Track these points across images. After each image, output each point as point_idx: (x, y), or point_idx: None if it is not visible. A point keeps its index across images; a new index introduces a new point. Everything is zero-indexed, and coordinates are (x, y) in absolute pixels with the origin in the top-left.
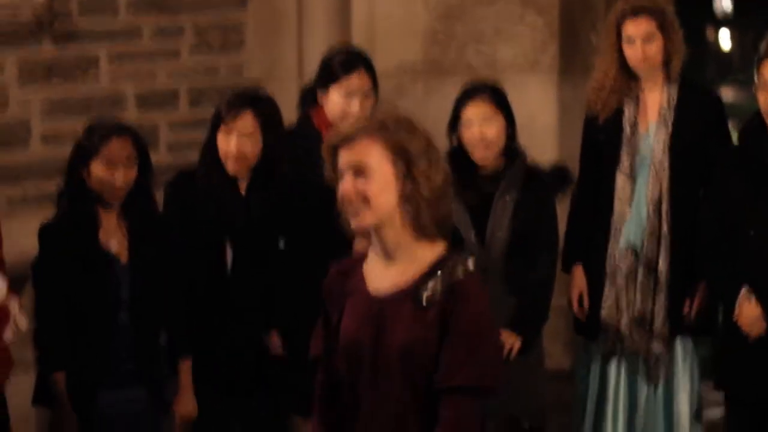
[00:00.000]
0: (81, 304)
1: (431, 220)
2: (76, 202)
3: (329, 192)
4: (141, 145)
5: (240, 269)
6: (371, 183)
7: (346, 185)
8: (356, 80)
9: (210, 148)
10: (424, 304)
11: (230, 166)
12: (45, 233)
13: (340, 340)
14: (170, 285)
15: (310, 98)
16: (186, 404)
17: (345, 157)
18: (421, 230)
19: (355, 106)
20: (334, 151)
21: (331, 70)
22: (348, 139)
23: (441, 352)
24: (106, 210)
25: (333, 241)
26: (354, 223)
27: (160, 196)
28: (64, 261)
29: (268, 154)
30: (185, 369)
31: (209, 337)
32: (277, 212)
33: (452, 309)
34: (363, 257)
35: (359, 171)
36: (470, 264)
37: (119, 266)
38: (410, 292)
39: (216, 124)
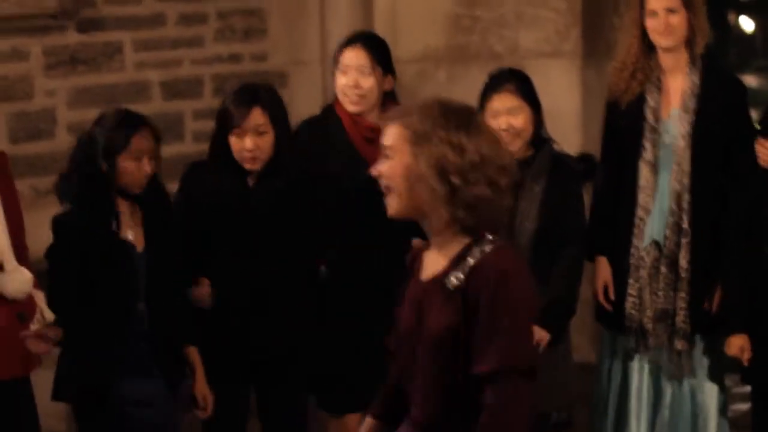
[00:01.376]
0: (99, 294)
1: (461, 206)
2: (95, 193)
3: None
4: (158, 135)
5: (244, 262)
6: (391, 167)
7: (377, 165)
8: (350, 55)
9: (220, 146)
10: (451, 288)
11: (247, 166)
12: (62, 224)
13: (398, 324)
14: (179, 275)
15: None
16: (202, 388)
17: (382, 138)
18: (462, 229)
19: (350, 80)
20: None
21: (336, 52)
22: (388, 120)
23: (479, 331)
24: (121, 199)
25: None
26: (388, 211)
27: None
28: (82, 251)
29: (279, 146)
30: (194, 354)
31: (220, 333)
32: (282, 204)
33: (474, 294)
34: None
35: (386, 155)
36: (487, 246)
37: (136, 255)
38: (440, 278)
39: (225, 124)
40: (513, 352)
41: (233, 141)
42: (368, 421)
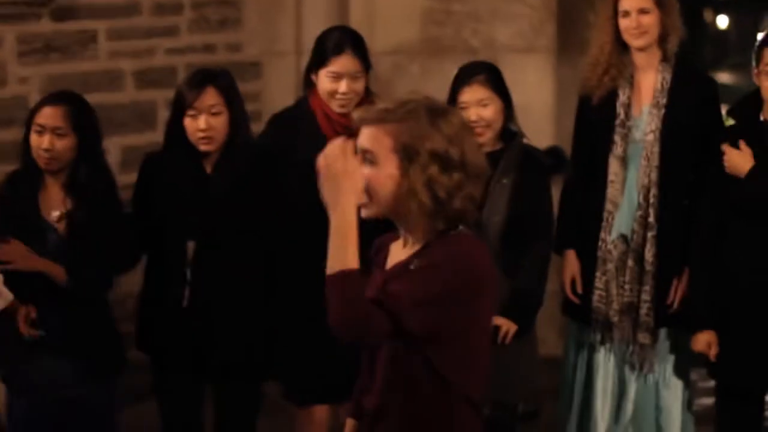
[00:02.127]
0: (13, 272)
1: (429, 223)
2: (21, 169)
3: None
4: (79, 118)
5: (207, 249)
6: (375, 174)
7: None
8: (343, 62)
9: (175, 130)
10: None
11: (202, 147)
12: None
13: None
14: (109, 259)
15: (307, 82)
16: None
17: (359, 140)
18: (432, 225)
19: (342, 87)
20: (358, 130)
21: (321, 53)
22: (365, 124)
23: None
24: (52, 179)
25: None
26: (362, 212)
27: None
28: (5, 228)
29: (234, 128)
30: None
31: (179, 321)
32: (241, 189)
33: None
34: (396, 236)
35: (366, 159)
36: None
37: (53, 235)
38: (402, 266)
39: (180, 107)
40: (421, 315)
41: (188, 122)
42: (349, 422)
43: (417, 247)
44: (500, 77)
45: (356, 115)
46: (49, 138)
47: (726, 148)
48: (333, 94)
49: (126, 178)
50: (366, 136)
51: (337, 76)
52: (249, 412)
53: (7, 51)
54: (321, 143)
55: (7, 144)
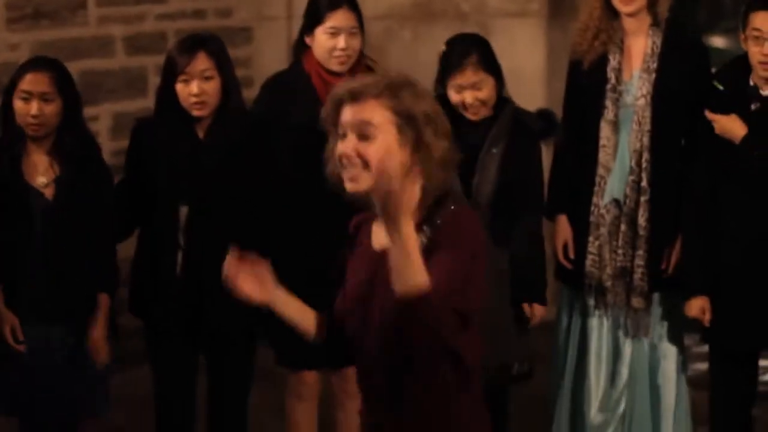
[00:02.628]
0: (2, 235)
1: (439, 184)
2: (4, 137)
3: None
4: (64, 82)
5: (199, 215)
6: (373, 147)
7: (348, 145)
8: (340, 17)
9: (166, 95)
10: None
11: (195, 112)
12: None
13: (346, 291)
14: (95, 225)
15: (300, 46)
16: (96, 337)
17: (348, 116)
18: (428, 195)
19: (341, 42)
20: (339, 104)
21: (316, 12)
22: (356, 96)
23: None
24: (36, 145)
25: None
26: (349, 187)
27: None
28: None
29: (226, 92)
30: (103, 302)
31: (168, 283)
32: (234, 155)
33: (436, 241)
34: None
35: (363, 133)
36: (450, 206)
37: (41, 200)
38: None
39: (171, 72)
40: (466, 299)
41: (180, 88)
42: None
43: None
44: (491, 52)
45: (341, 89)
46: (37, 104)
47: (714, 116)
48: (331, 51)
49: (117, 145)
50: (362, 109)
51: (336, 32)
52: (242, 380)
53: None
54: (316, 107)
55: None
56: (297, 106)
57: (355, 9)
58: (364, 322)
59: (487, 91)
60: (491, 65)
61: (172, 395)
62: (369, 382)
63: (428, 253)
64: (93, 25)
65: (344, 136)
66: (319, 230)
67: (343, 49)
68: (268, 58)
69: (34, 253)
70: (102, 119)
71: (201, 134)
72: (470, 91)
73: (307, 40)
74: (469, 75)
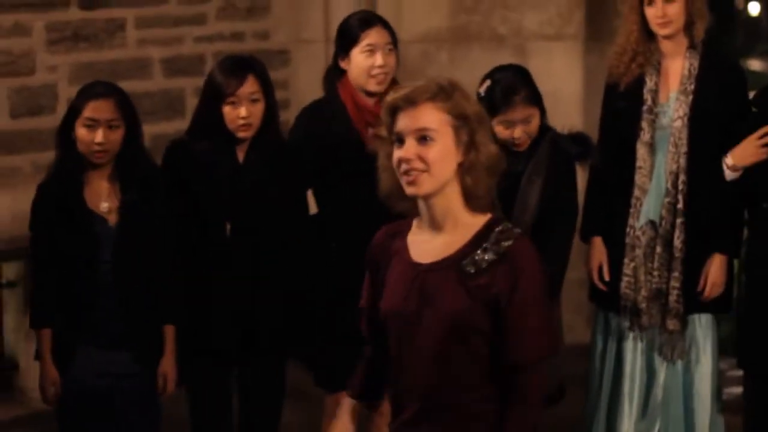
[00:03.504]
0: (67, 264)
1: (485, 189)
2: (65, 164)
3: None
4: (127, 108)
5: (238, 236)
6: (434, 149)
7: (409, 150)
8: (375, 35)
9: (212, 119)
10: (472, 271)
11: (242, 134)
12: (36, 195)
13: (384, 307)
14: (160, 250)
15: (334, 74)
16: (166, 366)
17: (406, 121)
18: (474, 200)
19: (378, 60)
20: (395, 111)
21: (350, 33)
22: (410, 102)
23: (505, 324)
24: (97, 171)
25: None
26: (410, 190)
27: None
28: (51, 221)
29: (269, 116)
30: (169, 332)
31: (206, 305)
32: (278, 176)
33: (508, 277)
34: (407, 225)
35: (423, 137)
36: (505, 234)
37: (105, 227)
38: (456, 261)
39: (217, 95)
40: (548, 343)
41: (227, 110)
42: (347, 401)
43: (460, 235)
44: (534, 84)
45: (396, 97)
46: (103, 131)
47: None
48: (370, 70)
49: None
50: (419, 115)
51: (372, 49)
52: (275, 398)
53: (36, 39)
54: (353, 135)
55: (35, 132)
56: (332, 135)
57: (388, 26)
58: (408, 340)
59: (535, 123)
60: (537, 98)
61: (208, 416)
62: (405, 399)
63: (486, 281)
64: (131, 47)
65: (401, 141)
66: (353, 255)
67: (381, 66)
68: (305, 80)
69: (101, 279)
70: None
71: (240, 156)
72: (520, 126)
73: (342, 64)
74: (519, 111)
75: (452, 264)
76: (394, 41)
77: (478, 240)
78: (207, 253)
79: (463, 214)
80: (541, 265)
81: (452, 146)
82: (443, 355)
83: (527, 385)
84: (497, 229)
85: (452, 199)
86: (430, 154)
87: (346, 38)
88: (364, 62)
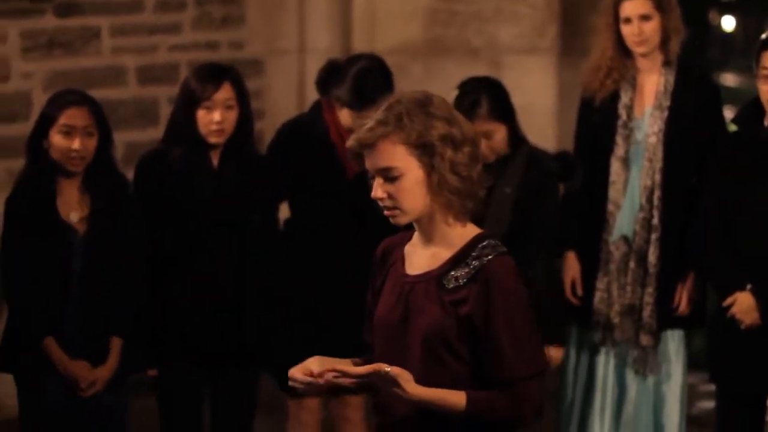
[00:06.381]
0: (39, 275)
1: (462, 205)
2: (36, 173)
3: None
4: (100, 116)
5: (213, 241)
6: (401, 185)
7: (378, 190)
8: (371, 111)
9: (186, 124)
10: (449, 286)
11: (213, 139)
12: (6, 204)
13: (376, 316)
14: (128, 261)
15: (325, 88)
16: (99, 374)
17: (371, 162)
18: (455, 217)
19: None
20: (359, 156)
21: (356, 97)
22: (367, 145)
23: (485, 342)
24: (68, 180)
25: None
26: (393, 221)
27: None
28: (22, 230)
29: (242, 123)
30: (116, 346)
31: (180, 308)
32: (251, 182)
33: (481, 295)
34: (408, 237)
35: (388, 177)
36: (487, 250)
37: (76, 237)
38: (437, 275)
39: (191, 100)
40: (534, 360)
41: (201, 115)
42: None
43: (446, 250)
44: (502, 97)
45: (353, 143)
46: (80, 139)
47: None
48: (354, 128)
49: (128, 174)
50: (378, 155)
51: (363, 118)
52: (246, 407)
53: (10, 46)
54: (331, 157)
55: (9, 139)
56: (311, 155)
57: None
58: (398, 349)
59: (499, 138)
60: (501, 112)
61: (179, 426)
62: (390, 403)
63: (464, 296)
64: (106, 55)
65: (373, 179)
66: (329, 260)
67: (348, 127)
68: (278, 91)
69: (70, 290)
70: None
71: (215, 161)
72: (483, 141)
73: (335, 98)
74: (480, 124)
75: (433, 278)
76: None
77: (462, 255)
78: (187, 258)
79: (448, 228)
80: (518, 282)
81: (419, 173)
82: (424, 376)
83: (518, 397)
84: (480, 245)
85: (435, 216)
86: (398, 191)
87: (350, 96)
88: (353, 123)
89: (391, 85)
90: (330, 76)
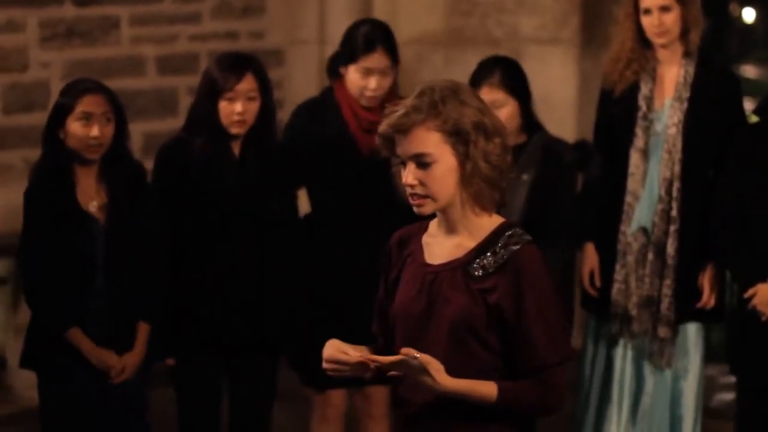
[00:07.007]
0: (59, 265)
1: (491, 195)
2: (53, 162)
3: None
4: (116, 103)
5: (234, 232)
6: (434, 172)
7: (410, 176)
8: (374, 60)
9: (208, 114)
10: (477, 275)
11: (235, 130)
12: (25, 196)
13: (395, 306)
14: (149, 250)
15: (333, 70)
16: (128, 360)
17: (403, 148)
18: (483, 207)
19: (372, 83)
20: (390, 140)
21: (351, 49)
22: (401, 131)
23: (515, 330)
24: (85, 169)
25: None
26: (417, 211)
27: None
28: (43, 221)
29: (264, 114)
30: (143, 331)
31: (200, 298)
32: (272, 173)
33: (510, 284)
34: (424, 227)
35: (421, 163)
36: (514, 240)
37: (97, 227)
38: (463, 264)
39: (213, 90)
40: (564, 347)
41: (223, 105)
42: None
43: (470, 238)
44: (517, 74)
45: (385, 127)
46: (98, 126)
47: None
48: (362, 90)
49: (147, 164)
50: (412, 141)
51: (368, 72)
52: (265, 398)
53: (29, 36)
54: (345, 137)
55: (27, 128)
56: (325, 137)
57: (390, 49)
58: (421, 339)
59: (505, 113)
60: (513, 87)
61: (197, 416)
62: (410, 394)
63: (491, 285)
64: (125, 45)
65: (404, 164)
66: (340, 256)
67: (373, 90)
68: (299, 81)
69: (94, 279)
70: (132, 139)
71: (236, 151)
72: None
73: (341, 70)
74: (486, 92)
75: (460, 266)
76: (395, 61)
77: (488, 244)
78: (208, 248)
79: (475, 217)
80: (547, 271)
81: (452, 161)
82: (449, 366)
83: (547, 383)
84: (507, 234)
85: (463, 205)
86: (429, 178)
87: (347, 52)
88: (358, 82)
89: (387, 34)
90: (332, 64)
